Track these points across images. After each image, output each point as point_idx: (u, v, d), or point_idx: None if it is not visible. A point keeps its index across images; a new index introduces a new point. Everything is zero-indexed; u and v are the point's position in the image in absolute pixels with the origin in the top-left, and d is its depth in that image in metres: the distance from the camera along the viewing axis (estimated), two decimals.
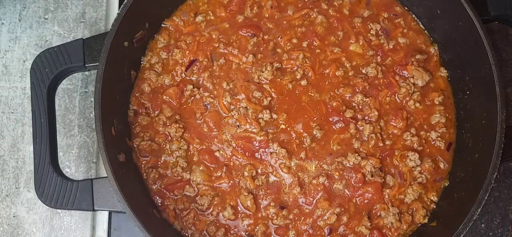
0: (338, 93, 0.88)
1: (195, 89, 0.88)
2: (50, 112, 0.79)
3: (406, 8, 0.92)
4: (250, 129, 0.86)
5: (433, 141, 0.86)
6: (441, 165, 0.85)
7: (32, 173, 0.79)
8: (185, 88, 0.88)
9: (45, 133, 0.78)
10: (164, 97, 0.88)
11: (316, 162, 0.85)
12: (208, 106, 0.88)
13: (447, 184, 0.85)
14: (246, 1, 0.93)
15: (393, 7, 0.93)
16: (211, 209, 0.83)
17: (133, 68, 0.89)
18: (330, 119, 0.86)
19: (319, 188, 0.84)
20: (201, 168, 0.85)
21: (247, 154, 0.86)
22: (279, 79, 0.88)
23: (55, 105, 0.81)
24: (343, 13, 0.92)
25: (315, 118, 0.87)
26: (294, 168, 0.85)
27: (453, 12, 0.83)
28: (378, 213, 0.83)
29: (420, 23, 0.92)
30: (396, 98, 0.88)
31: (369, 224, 0.82)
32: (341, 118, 0.86)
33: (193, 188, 0.84)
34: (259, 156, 0.86)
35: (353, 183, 0.84)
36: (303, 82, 0.88)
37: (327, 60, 0.90)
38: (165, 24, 0.93)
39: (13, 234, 0.90)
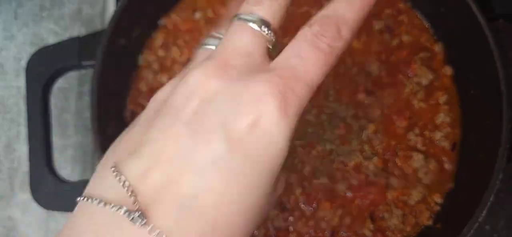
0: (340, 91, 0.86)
1: None
2: (45, 112, 0.78)
3: (409, 6, 0.91)
4: None
5: (437, 141, 0.85)
6: (446, 166, 0.84)
7: (27, 174, 0.78)
8: None
9: (40, 133, 0.77)
10: None
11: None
12: None
13: (451, 186, 0.83)
14: None
15: (397, 4, 0.91)
16: None
17: (130, 67, 0.88)
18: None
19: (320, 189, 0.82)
20: None
21: None
22: None
23: (50, 104, 0.80)
24: None
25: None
26: None
27: (458, 10, 0.81)
28: (381, 215, 0.82)
29: (424, 20, 0.90)
30: (400, 97, 0.86)
31: (372, 226, 0.81)
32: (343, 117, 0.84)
33: None
34: None
35: (355, 183, 0.82)
36: None
37: None
38: (162, 22, 0.91)
39: (8, 236, 0.89)
